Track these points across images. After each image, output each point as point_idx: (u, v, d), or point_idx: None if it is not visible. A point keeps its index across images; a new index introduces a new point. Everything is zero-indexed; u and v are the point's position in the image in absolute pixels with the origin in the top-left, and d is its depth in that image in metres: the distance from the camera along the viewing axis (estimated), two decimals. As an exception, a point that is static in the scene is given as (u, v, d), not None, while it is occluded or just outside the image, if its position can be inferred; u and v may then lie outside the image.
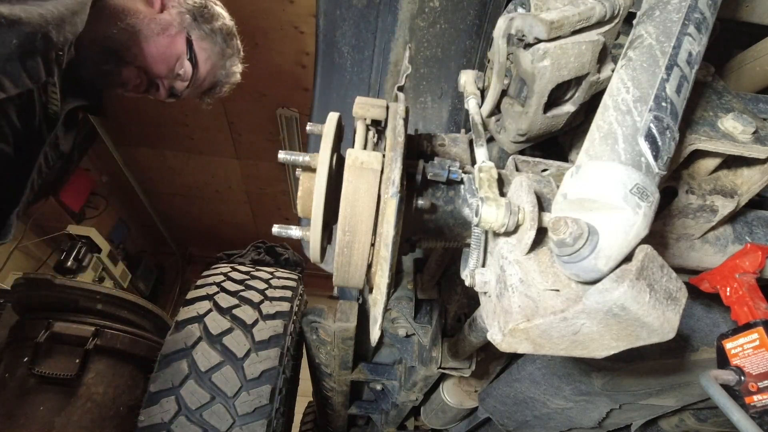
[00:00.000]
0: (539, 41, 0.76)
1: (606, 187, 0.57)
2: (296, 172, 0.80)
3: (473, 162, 0.90)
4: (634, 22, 0.73)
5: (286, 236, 0.75)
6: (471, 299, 1.54)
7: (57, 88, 1.24)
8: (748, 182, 0.89)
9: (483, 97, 0.98)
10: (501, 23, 0.81)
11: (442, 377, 1.97)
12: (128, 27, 1.38)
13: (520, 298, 0.60)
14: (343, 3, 1.38)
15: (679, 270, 0.94)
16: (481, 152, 0.81)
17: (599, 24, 0.78)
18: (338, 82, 1.53)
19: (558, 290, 0.61)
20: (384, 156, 0.69)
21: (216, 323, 2.14)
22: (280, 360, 2.10)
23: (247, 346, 2.08)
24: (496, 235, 0.68)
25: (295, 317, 2.35)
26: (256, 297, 2.33)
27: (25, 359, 2.51)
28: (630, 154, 0.59)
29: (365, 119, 0.78)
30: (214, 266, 2.66)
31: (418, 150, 0.93)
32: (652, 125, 0.61)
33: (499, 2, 1.33)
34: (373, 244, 0.70)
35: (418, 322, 1.79)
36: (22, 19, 0.97)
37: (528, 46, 0.78)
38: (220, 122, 5.89)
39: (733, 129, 0.82)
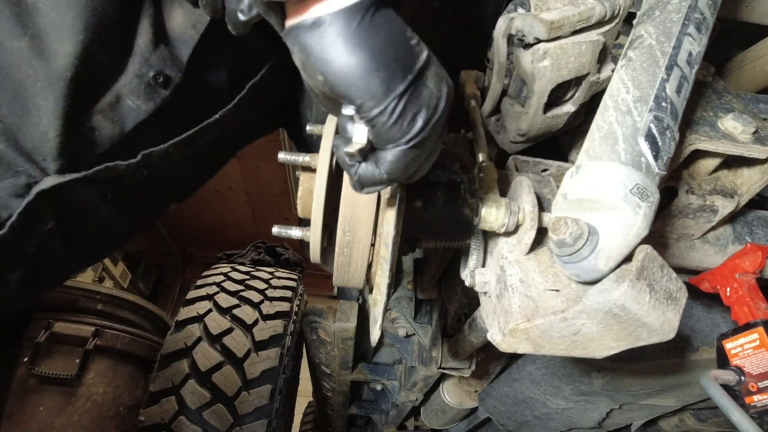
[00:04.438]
0: (539, 41, 0.76)
1: (606, 187, 0.57)
2: (296, 172, 0.80)
3: (473, 162, 0.90)
4: (634, 22, 0.73)
5: (286, 236, 0.75)
6: (471, 299, 1.54)
7: None
8: (748, 182, 0.89)
9: (483, 97, 0.98)
10: (501, 23, 0.81)
11: (442, 377, 1.97)
12: None
13: (520, 298, 0.60)
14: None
15: (679, 270, 0.94)
16: (481, 152, 0.81)
17: (599, 24, 0.78)
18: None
19: (558, 290, 0.61)
20: (384, 156, 0.69)
21: (216, 323, 2.14)
22: (280, 360, 2.10)
23: (247, 346, 2.09)
24: (496, 235, 0.68)
25: (295, 317, 2.35)
26: (256, 297, 2.33)
27: (25, 359, 2.51)
28: (630, 154, 0.59)
29: (365, 119, 0.78)
30: (214, 266, 2.66)
31: (418, 150, 0.93)
32: (652, 125, 0.61)
33: (500, 2, 1.33)
34: (373, 244, 0.70)
35: (418, 322, 1.79)
36: None
37: (528, 46, 0.78)
38: (220, 122, 5.88)
39: (733, 129, 0.82)
